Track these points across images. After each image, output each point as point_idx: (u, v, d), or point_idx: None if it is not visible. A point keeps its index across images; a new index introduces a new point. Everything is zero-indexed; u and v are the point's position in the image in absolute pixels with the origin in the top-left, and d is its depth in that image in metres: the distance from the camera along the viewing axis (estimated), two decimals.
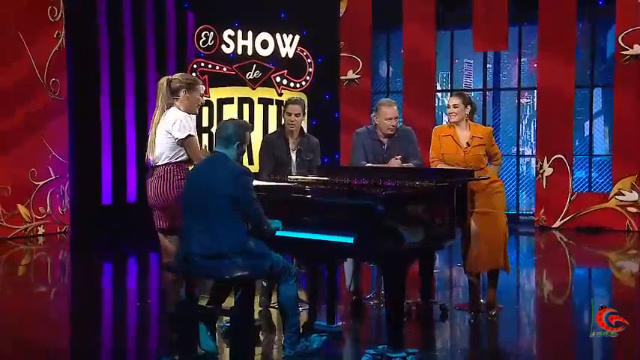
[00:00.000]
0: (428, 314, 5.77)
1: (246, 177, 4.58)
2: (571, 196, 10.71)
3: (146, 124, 9.07)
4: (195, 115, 5.35)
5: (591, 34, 11.40)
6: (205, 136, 9.85)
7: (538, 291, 7.40)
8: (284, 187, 5.21)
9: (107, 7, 10.71)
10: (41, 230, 9.98)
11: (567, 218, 10.72)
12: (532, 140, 11.60)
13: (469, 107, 6.17)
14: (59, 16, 10.14)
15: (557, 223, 10.76)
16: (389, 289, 4.61)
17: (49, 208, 10.07)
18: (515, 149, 11.94)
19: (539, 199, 10.98)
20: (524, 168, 11.97)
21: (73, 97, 10.37)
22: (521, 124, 11.91)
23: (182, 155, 5.07)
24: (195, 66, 9.86)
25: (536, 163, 10.97)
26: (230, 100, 10.05)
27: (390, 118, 6.09)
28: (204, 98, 9.71)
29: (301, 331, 4.89)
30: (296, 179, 5.45)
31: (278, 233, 4.66)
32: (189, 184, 4.76)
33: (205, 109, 9.87)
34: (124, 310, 6.49)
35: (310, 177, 5.69)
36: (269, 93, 10.19)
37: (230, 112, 9.99)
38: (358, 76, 11.55)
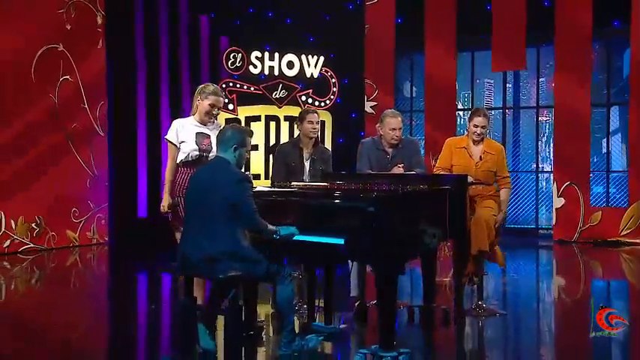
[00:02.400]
0: (429, 318, 5.59)
1: (246, 183, 4.49)
2: (585, 210, 10.43)
3: None
4: (203, 124, 5.32)
5: (606, 55, 11.13)
6: None
7: (543, 299, 7.16)
8: (277, 192, 5.11)
9: (145, 33, 10.82)
10: (79, 242, 10.04)
11: (585, 232, 10.42)
12: (551, 157, 11.33)
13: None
14: (100, 43, 10.27)
15: (575, 237, 10.47)
16: (380, 289, 4.46)
17: (92, 225, 10.15)
18: (535, 165, 11.69)
19: (557, 214, 10.71)
20: (544, 184, 11.70)
21: (112, 116, 10.45)
22: (540, 141, 11.66)
23: (182, 157, 5.18)
24: (224, 85, 9.87)
25: (554, 182, 10.73)
26: (257, 118, 10.03)
27: (394, 129, 5.96)
28: (233, 115, 9.76)
29: (297, 331, 4.79)
30: (297, 185, 5.33)
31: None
32: (191, 186, 4.70)
33: (252, 135, 9.85)
34: (140, 313, 6.42)
35: (313, 183, 5.59)
36: (295, 111, 10.12)
37: (257, 129, 9.96)
38: (374, 103, 11.38)
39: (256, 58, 10.09)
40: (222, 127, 4.89)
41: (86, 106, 10.11)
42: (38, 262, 8.83)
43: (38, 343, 5.09)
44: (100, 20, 10.24)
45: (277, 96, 10.06)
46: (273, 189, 5.24)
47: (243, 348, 4.61)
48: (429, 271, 5.64)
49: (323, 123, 10.36)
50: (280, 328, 4.63)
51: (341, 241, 4.30)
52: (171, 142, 5.29)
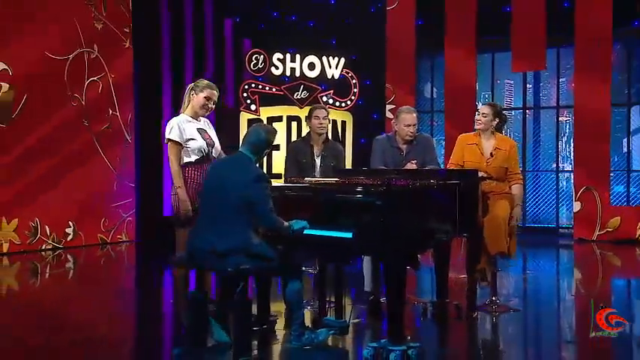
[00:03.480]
0: (442, 314, 5.49)
1: (264, 182, 4.42)
2: (605, 209, 10.23)
3: None
4: (196, 120, 5.18)
5: (627, 55, 10.94)
6: None
7: (557, 296, 7.01)
8: (286, 187, 5.05)
9: (170, 36, 10.85)
10: (109, 240, 10.08)
11: (605, 231, 10.23)
12: (571, 157, 11.15)
13: (497, 119, 5.91)
14: (127, 43, 10.33)
15: (595, 236, 10.28)
16: (388, 283, 4.38)
17: (119, 224, 10.19)
18: (555, 165, 11.51)
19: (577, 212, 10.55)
20: (564, 183, 11.52)
21: (139, 117, 10.49)
22: (560, 141, 11.48)
23: (191, 155, 5.01)
24: (246, 87, 9.84)
25: (574, 181, 10.57)
26: (279, 119, 9.99)
27: (409, 125, 5.87)
28: (255, 116, 9.72)
29: (310, 325, 4.73)
30: (309, 181, 5.27)
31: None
32: (207, 178, 4.65)
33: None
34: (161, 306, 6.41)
35: (324, 179, 5.52)
36: None
37: (279, 129, 9.89)
38: (392, 106, 11.25)
39: (278, 59, 10.05)
40: (255, 127, 4.74)
41: (116, 107, 10.15)
42: (67, 261, 8.86)
43: (57, 326, 5.10)
44: (127, 24, 10.29)
45: (299, 97, 10.01)
46: (282, 184, 5.17)
47: (255, 341, 4.58)
48: (441, 267, 5.54)
49: (344, 123, 10.30)
50: (290, 321, 4.55)
51: (349, 235, 4.24)
52: (175, 142, 5.02)
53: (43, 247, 9.22)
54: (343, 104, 10.29)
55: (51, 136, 9.34)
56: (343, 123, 10.33)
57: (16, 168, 9.00)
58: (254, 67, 9.89)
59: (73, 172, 9.62)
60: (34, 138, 9.17)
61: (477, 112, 5.93)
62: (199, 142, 5.07)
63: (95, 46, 9.87)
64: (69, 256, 9.01)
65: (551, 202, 11.45)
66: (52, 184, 9.36)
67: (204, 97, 5.14)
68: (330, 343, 4.68)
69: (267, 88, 9.97)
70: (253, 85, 9.90)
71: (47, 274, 8.10)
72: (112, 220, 10.15)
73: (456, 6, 11.09)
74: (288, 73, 10.10)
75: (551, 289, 7.41)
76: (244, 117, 9.89)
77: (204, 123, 5.26)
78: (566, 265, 9.23)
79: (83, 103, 9.74)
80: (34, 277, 7.91)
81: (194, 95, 5.16)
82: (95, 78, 9.88)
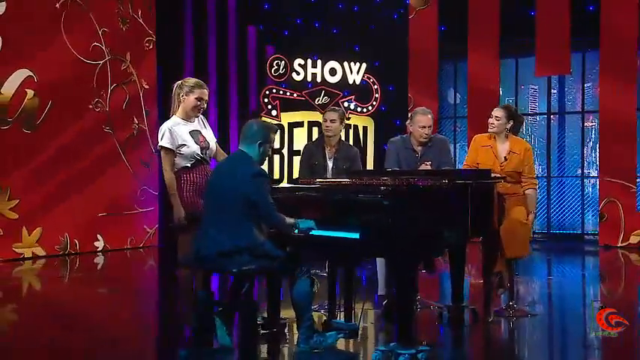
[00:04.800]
0: (457, 318, 5.29)
1: (263, 178, 4.31)
2: (630, 215, 9.93)
3: (227, 149, 8.94)
4: (191, 121, 4.97)
5: None
6: (276, 157, 9.69)
7: (577, 302, 6.73)
8: (295, 188, 4.91)
9: (194, 43, 10.80)
10: (130, 245, 10.02)
11: (631, 237, 9.91)
12: (597, 162, 10.84)
13: (511, 122, 5.73)
14: (152, 49, 10.30)
15: (621, 242, 9.98)
16: (396, 285, 4.21)
17: (142, 229, 10.14)
18: (580, 171, 11.20)
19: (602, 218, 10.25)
20: (590, 189, 11.20)
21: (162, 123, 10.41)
22: (586, 147, 11.17)
23: (185, 162, 4.85)
24: (267, 92, 9.73)
25: (600, 185, 10.30)
26: (300, 124, 9.86)
27: (424, 127, 5.71)
28: (276, 121, 9.60)
29: (320, 328, 4.58)
30: (320, 182, 5.11)
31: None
32: (210, 179, 4.54)
33: (277, 133, 9.71)
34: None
35: (334, 179, 5.37)
36: None
37: (300, 134, 9.81)
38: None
39: (299, 65, 9.93)
40: (248, 122, 4.61)
41: (142, 114, 10.12)
42: (92, 264, 8.84)
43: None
44: (151, 30, 10.26)
45: (320, 102, 9.86)
46: (288, 185, 5.03)
47: (262, 344, 4.44)
48: (457, 271, 5.37)
49: (365, 129, 10.14)
50: (298, 324, 4.40)
51: (356, 236, 4.08)
52: (167, 148, 4.79)
53: (66, 252, 9.16)
54: (365, 110, 10.13)
55: (75, 143, 9.29)
56: (365, 128, 10.18)
57: (40, 174, 8.96)
58: (275, 72, 9.77)
59: (97, 178, 9.56)
60: (58, 144, 9.14)
61: (490, 116, 5.75)
62: (192, 148, 4.83)
63: (120, 52, 9.83)
64: (93, 261, 8.97)
65: (576, 209, 11.15)
66: (75, 191, 9.30)
67: (196, 99, 4.89)
68: (339, 346, 4.52)
69: (288, 94, 9.85)
70: (274, 91, 9.79)
71: (68, 278, 8.03)
72: (135, 228, 10.07)
73: (479, 11, 10.89)
74: (309, 79, 9.98)
75: (571, 294, 7.12)
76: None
77: (199, 122, 5.01)
78: (588, 271, 8.94)
79: (107, 109, 9.69)
80: (56, 282, 7.84)
81: (184, 97, 4.92)
82: (119, 84, 9.85)
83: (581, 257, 9.96)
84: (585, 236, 11.01)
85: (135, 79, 10.05)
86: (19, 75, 8.76)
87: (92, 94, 9.53)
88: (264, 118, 9.75)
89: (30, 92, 8.88)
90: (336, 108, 6.15)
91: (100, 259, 9.17)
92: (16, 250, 8.71)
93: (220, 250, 4.17)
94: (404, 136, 5.90)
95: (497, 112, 5.72)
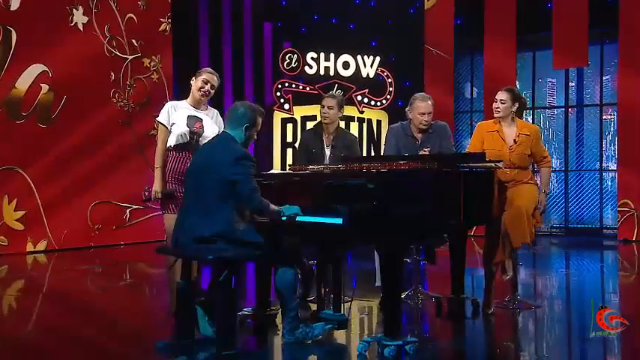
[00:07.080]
0: (457, 309, 4.97)
1: (247, 161, 4.01)
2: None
3: None
4: (197, 108, 4.89)
5: None
6: (289, 151, 9.43)
7: (583, 295, 6.33)
8: (280, 174, 4.62)
9: (209, 40, 10.60)
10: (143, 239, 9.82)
11: None
12: (615, 155, 10.37)
13: (517, 104, 5.37)
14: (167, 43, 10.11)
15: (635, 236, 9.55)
16: (383, 274, 3.91)
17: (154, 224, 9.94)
18: (599, 164, 10.74)
19: (621, 214, 9.80)
20: (609, 183, 10.73)
21: None
22: (604, 140, 10.71)
23: (172, 140, 4.77)
24: (280, 86, 9.48)
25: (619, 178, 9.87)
26: (313, 118, 9.58)
27: (424, 113, 5.39)
28: (289, 115, 9.35)
29: (305, 318, 4.29)
30: (312, 169, 4.80)
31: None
32: (191, 163, 4.27)
33: (290, 125, 9.48)
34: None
35: (327, 166, 5.05)
36: (351, 111, 9.65)
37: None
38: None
39: (312, 58, 9.65)
40: (234, 103, 4.38)
41: (158, 108, 9.90)
42: (105, 257, 8.64)
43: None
44: (166, 26, 10.05)
45: None
46: (274, 172, 4.75)
47: (244, 334, 4.17)
48: (457, 261, 5.05)
49: (379, 122, 9.84)
50: (282, 314, 4.11)
51: (339, 221, 3.78)
52: (162, 124, 4.83)
53: (81, 247, 9.00)
54: (378, 103, 9.83)
55: (90, 137, 9.12)
56: (379, 122, 9.88)
57: (55, 169, 8.81)
58: (287, 66, 9.51)
59: (113, 173, 9.37)
60: (74, 139, 8.98)
61: (495, 100, 5.40)
62: (181, 128, 4.78)
63: (134, 46, 9.64)
64: (106, 255, 8.78)
65: (595, 203, 10.70)
66: (91, 185, 9.14)
67: (202, 81, 4.87)
68: (325, 337, 4.22)
69: (301, 87, 9.58)
70: (287, 84, 9.52)
71: (81, 272, 7.84)
72: (151, 222, 9.86)
73: (496, 3, 10.51)
74: (322, 73, 9.70)
75: (577, 287, 6.72)
76: (278, 116, 9.52)
77: (207, 114, 4.93)
78: (603, 266, 8.51)
79: (123, 104, 9.52)
80: (72, 275, 7.65)
81: (193, 80, 4.92)
82: (136, 78, 9.65)
83: (598, 251, 9.51)
84: (604, 230, 10.55)
85: (151, 74, 9.84)
86: (34, 70, 8.63)
87: (107, 88, 9.35)
88: (275, 112, 9.53)
89: (45, 87, 8.73)
90: (334, 94, 5.82)
91: (112, 254, 8.97)
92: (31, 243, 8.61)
93: (198, 236, 3.90)
94: (403, 122, 5.58)
95: (502, 94, 5.35)
